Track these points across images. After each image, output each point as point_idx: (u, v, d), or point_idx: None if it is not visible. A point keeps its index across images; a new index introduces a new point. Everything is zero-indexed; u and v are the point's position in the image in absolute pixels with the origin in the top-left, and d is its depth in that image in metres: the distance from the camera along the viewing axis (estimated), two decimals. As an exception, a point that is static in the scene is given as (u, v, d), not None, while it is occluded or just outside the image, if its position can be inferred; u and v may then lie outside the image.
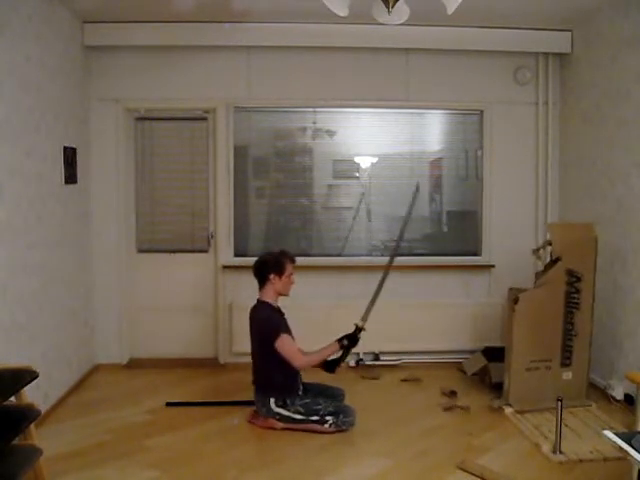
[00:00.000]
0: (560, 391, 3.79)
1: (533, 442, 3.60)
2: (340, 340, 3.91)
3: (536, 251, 4.45)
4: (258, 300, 4.01)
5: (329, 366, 3.97)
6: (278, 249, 4.14)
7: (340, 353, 3.94)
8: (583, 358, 4.19)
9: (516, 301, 4.08)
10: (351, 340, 3.91)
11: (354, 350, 4.05)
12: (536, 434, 3.70)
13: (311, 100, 5.23)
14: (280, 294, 4.00)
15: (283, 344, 3.81)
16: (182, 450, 3.55)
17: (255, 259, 4.13)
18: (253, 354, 4.02)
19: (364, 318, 3.96)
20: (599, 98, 4.63)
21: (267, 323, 3.91)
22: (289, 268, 3.97)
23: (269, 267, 3.95)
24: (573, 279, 4.13)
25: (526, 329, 4.09)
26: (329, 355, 3.93)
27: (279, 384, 3.87)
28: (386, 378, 4.92)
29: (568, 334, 4.15)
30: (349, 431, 3.80)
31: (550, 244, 4.26)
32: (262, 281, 3.98)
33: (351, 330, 3.92)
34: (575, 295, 4.14)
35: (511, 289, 4.30)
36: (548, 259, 4.35)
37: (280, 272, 3.94)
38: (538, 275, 4.36)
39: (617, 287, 4.38)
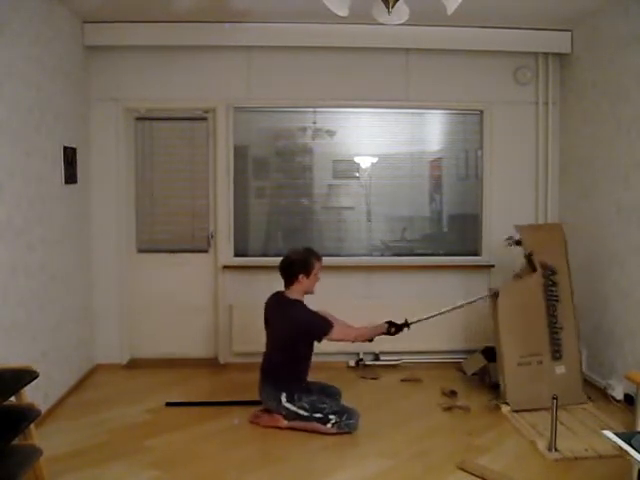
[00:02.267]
0: (556, 387, 3.82)
1: (529, 440, 3.61)
2: (389, 324, 4.03)
3: (508, 239, 4.47)
4: (287, 297, 3.96)
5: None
6: (302, 247, 4.13)
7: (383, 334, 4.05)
8: (573, 351, 4.23)
9: (497, 295, 4.18)
10: (398, 329, 4.03)
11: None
12: (532, 432, 3.71)
13: (311, 100, 5.23)
14: (307, 292, 4.00)
15: (339, 333, 3.90)
16: (182, 450, 3.55)
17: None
18: (272, 349, 4.00)
19: (418, 320, 4.08)
20: (599, 98, 4.63)
21: (315, 321, 3.90)
22: (317, 266, 3.98)
23: (298, 267, 3.93)
24: (549, 272, 4.23)
25: (511, 324, 4.17)
26: (376, 334, 4.04)
27: (293, 378, 3.89)
28: (386, 378, 4.92)
29: (553, 327, 4.21)
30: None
31: (519, 243, 4.36)
32: (290, 280, 3.96)
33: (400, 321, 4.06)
34: (553, 288, 4.23)
35: (490, 289, 4.38)
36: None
37: (308, 272, 3.94)
38: (516, 276, 4.45)
39: (617, 287, 4.38)
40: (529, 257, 4.29)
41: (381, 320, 5.05)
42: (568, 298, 4.26)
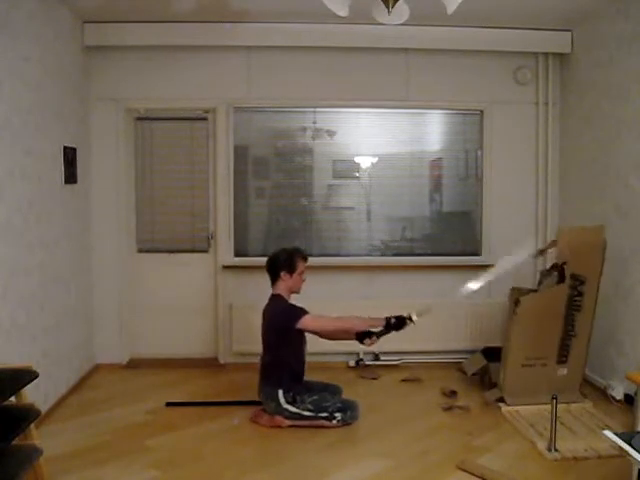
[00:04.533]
0: (553, 385, 3.80)
1: (529, 440, 3.61)
2: (388, 318, 3.82)
3: (541, 252, 4.44)
4: (272, 294, 4.02)
5: (361, 337, 3.94)
6: (292, 246, 4.18)
7: (380, 329, 3.85)
8: (580, 356, 4.22)
9: (517, 303, 4.08)
10: (399, 323, 3.81)
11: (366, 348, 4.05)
12: (532, 432, 3.72)
13: (311, 100, 5.23)
14: (291, 291, 4.03)
15: (311, 320, 3.83)
16: (182, 450, 3.55)
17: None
18: (265, 347, 4.01)
19: (420, 314, 3.84)
20: (599, 98, 4.63)
21: (287, 311, 3.91)
22: (301, 266, 3.99)
23: (280, 264, 3.97)
24: (577, 283, 4.10)
25: (526, 330, 4.11)
26: (367, 326, 3.89)
27: (289, 377, 3.90)
28: (386, 378, 4.92)
29: (567, 335, 4.16)
30: (350, 431, 3.81)
31: (555, 245, 4.27)
32: (274, 277, 4.01)
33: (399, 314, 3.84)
34: (578, 298, 4.11)
35: (513, 288, 4.31)
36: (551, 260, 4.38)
37: (291, 270, 3.96)
38: (543, 274, 4.36)
39: (617, 287, 4.37)
40: (561, 266, 4.11)
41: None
42: (590, 307, 4.13)
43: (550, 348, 4.16)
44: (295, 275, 3.98)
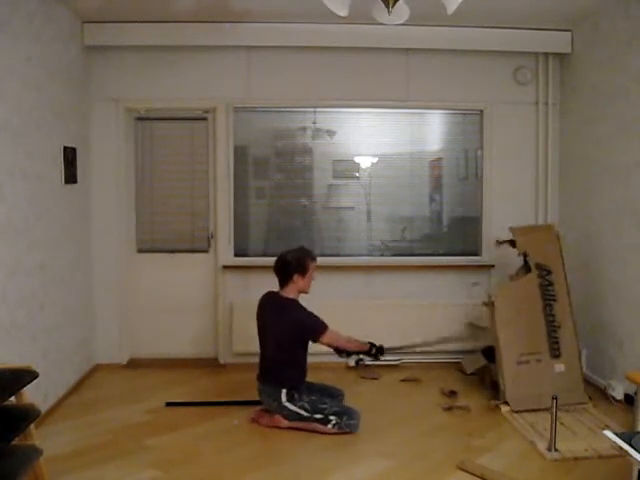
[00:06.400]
0: (556, 386, 3.82)
1: (529, 440, 3.61)
2: (372, 345, 4.05)
3: (499, 243, 4.55)
4: (283, 297, 3.98)
5: (346, 354, 4.11)
6: (298, 247, 4.17)
7: (361, 355, 4.12)
8: (572, 349, 4.24)
9: (492, 304, 4.21)
10: (378, 352, 4.06)
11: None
12: (532, 432, 3.71)
13: (311, 100, 5.23)
14: (302, 292, 4.02)
15: (330, 337, 3.90)
16: (182, 450, 3.55)
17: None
18: (269, 348, 3.99)
19: (391, 347, 4.15)
20: (599, 98, 4.63)
21: (309, 321, 3.92)
22: (311, 267, 4.00)
23: (293, 268, 3.95)
24: (544, 272, 4.27)
25: (509, 324, 4.19)
26: (358, 351, 4.07)
27: (292, 377, 3.90)
28: (386, 378, 4.92)
29: (551, 325, 4.23)
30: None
31: (514, 245, 4.40)
32: (285, 280, 3.97)
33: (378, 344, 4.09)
34: (550, 287, 4.27)
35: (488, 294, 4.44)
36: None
37: (303, 271, 3.96)
38: (512, 277, 4.49)
39: (616, 287, 4.38)
40: (524, 258, 4.34)
41: (380, 320, 5.11)
42: (565, 297, 4.28)
43: (540, 342, 4.20)
44: (306, 276, 3.97)
